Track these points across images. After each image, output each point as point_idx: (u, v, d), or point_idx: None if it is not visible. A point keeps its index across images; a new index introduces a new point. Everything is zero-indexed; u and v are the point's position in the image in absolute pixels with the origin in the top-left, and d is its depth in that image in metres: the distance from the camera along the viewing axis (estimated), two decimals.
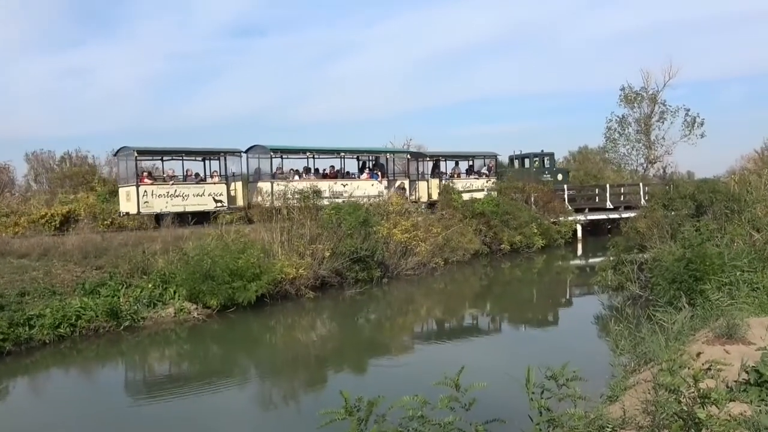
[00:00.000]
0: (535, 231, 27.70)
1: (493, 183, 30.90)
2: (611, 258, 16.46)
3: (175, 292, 15.32)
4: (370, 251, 19.12)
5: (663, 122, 47.87)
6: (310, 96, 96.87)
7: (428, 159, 31.41)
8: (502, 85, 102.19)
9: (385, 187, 27.69)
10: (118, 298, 14.40)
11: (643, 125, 48.04)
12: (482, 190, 29.68)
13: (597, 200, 34.59)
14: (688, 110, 47.21)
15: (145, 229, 20.61)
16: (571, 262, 27.59)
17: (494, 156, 33.25)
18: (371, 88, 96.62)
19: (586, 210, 33.50)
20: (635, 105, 48.28)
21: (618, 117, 48.65)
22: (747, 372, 5.17)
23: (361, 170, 28.71)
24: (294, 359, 12.91)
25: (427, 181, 30.17)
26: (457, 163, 32.57)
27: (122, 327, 13.84)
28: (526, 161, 36.00)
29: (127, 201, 22.69)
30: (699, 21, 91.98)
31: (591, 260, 25.29)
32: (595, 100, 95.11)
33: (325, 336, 15.22)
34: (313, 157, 27.12)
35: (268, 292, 16.03)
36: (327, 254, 18.09)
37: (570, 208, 31.94)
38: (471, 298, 19.82)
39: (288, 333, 15.26)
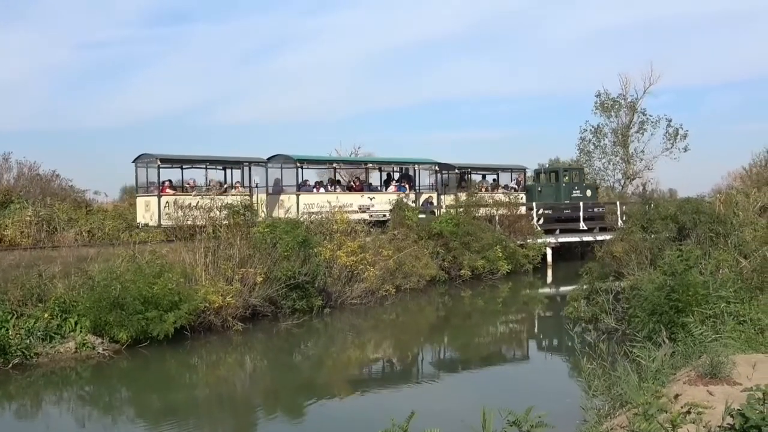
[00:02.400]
0: (500, 255, 27.88)
1: (522, 198, 33.58)
2: (584, 286, 16.75)
3: (76, 324, 14.93)
4: (310, 276, 19.01)
5: (642, 134, 49.21)
6: (243, 95, 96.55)
7: (456, 171, 33.82)
8: (465, 87, 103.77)
9: (413, 201, 29.52)
10: (7, 330, 13.88)
11: (620, 136, 49.24)
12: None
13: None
14: (670, 120, 48.71)
15: (42, 248, 20.07)
16: (540, 291, 28.00)
17: (523, 170, 36.00)
18: (315, 86, 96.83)
19: (557, 231, 34.06)
20: (612, 113, 49.48)
21: (593, 127, 49.82)
22: (732, 416, 5.30)
23: (386, 182, 30.83)
24: (218, 403, 12.69)
25: (455, 194, 31.78)
26: (484, 177, 35.18)
27: (11, 365, 13.37)
28: (553, 175, 37.26)
29: (146, 212, 24.00)
30: (682, 20, 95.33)
31: (562, 288, 25.68)
32: (568, 106, 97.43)
33: (255, 375, 15.03)
34: (336, 169, 29.82)
35: (188, 323, 15.76)
36: (259, 279, 17.92)
37: (539, 228, 32.45)
38: (425, 332, 19.88)
39: (212, 372, 15.01)
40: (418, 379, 14.21)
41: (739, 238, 15.80)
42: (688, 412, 4.40)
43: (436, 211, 29.96)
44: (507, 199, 32.13)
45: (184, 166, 26.62)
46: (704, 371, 7.88)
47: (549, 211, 34.13)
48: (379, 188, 30.14)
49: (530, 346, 18.23)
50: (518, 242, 30.09)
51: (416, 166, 31.32)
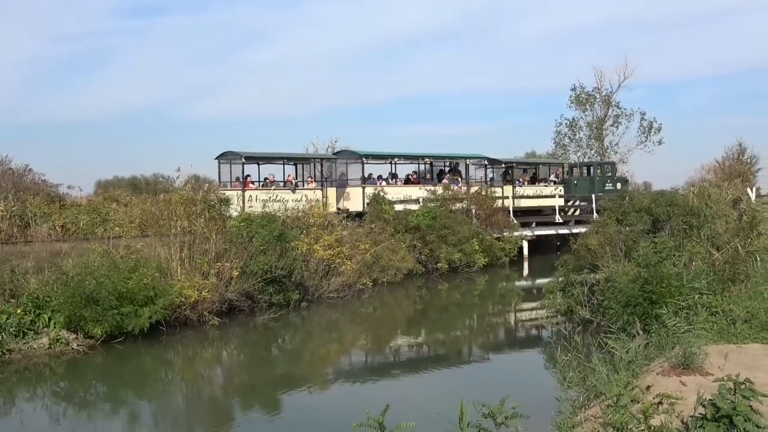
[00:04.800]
0: (477, 248, 27.99)
1: (560, 190, 36.91)
2: (559, 279, 16.84)
3: (50, 319, 14.78)
4: (287, 270, 18.95)
5: (617, 127, 49.68)
6: (216, 89, 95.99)
7: (502, 165, 36.64)
8: (443, 81, 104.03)
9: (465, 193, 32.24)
10: None
11: (595, 130, 49.60)
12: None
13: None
14: (644, 114, 49.14)
15: (15, 243, 19.82)
16: (517, 284, 28.13)
17: (561, 164, 39.67)
18: (291, 80, 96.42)
19: (533, 224, 34.34)
20: (587, 107, 49.83)
21: (568, 120, 50.15)
22: (704, 406, 5.37)
23: (439, 176, 33.69)
24: (195, 398, 12.64)
25: (501, 187, 34.63)
26: (524, 170, 38.60)
27: None
28: (585, 170, 39.56)
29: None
30: (658, 17, 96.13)
31: (538, 281, 25.85)
32: (543, 100, 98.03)
33: (232, 370, 14.97)
34: (394, 163, 32.55)
35: (164, 318, 15.64)
36: (235, 274, 17.82)
37: (515, 221, 32.69)
38: (402, 325, 19.91)
39: (188, 367, 14.93)
40: (395, 372, 14.22)
41: (712, 230, 15.95)
42: (660, 403, 4.44)
43: None
44: (546, 192, 35.84)
45: (261, 163, 29.13)
46: (677, 362, 7.98)
47: (584, 203, 36.20)
48: (432, 181, 33.01)
49: (506, 338, 18.31)
50: (495, 235, 30.28)
51: (467, 161, 34.30)
